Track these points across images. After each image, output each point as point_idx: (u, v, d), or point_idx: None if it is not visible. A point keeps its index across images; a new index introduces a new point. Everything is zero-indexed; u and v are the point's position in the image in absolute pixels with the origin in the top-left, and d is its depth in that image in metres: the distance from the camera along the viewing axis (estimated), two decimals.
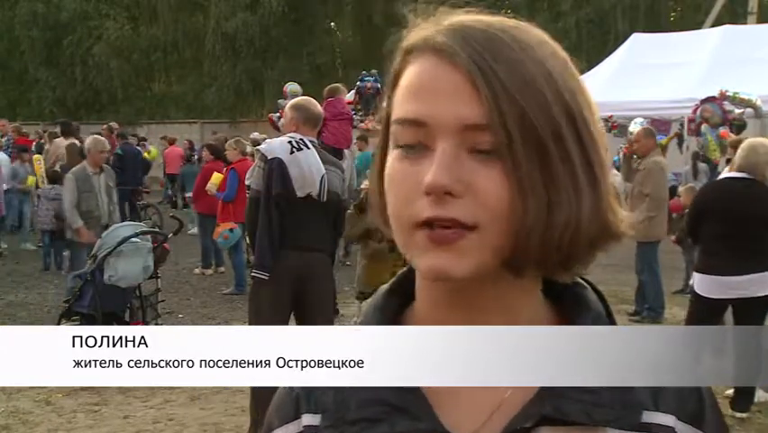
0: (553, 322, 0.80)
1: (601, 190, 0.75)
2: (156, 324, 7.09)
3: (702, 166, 12.24)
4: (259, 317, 4.81)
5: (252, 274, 4.80)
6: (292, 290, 4.78)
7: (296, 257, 4.74)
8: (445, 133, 0.72)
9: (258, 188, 4.77)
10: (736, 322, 5.38)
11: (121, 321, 6.93)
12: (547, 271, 0.77)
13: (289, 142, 4.83)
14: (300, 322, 4.89)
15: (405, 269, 0.85)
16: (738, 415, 5.32)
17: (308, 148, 4.89)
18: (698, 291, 5.28)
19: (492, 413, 0.76)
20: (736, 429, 5.22)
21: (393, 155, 0.76)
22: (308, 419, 0.81)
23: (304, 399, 0.82)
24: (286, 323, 4.84)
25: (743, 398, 5.35)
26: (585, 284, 0.82)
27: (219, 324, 8.08)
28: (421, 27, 0.77)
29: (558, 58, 0.76)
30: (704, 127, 11.47)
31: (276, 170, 4.69)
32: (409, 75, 0.76)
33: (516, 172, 0.71)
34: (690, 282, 5.75)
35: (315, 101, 5.23)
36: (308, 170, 4.83)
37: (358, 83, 11.96)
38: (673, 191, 13.09)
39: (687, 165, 13.20)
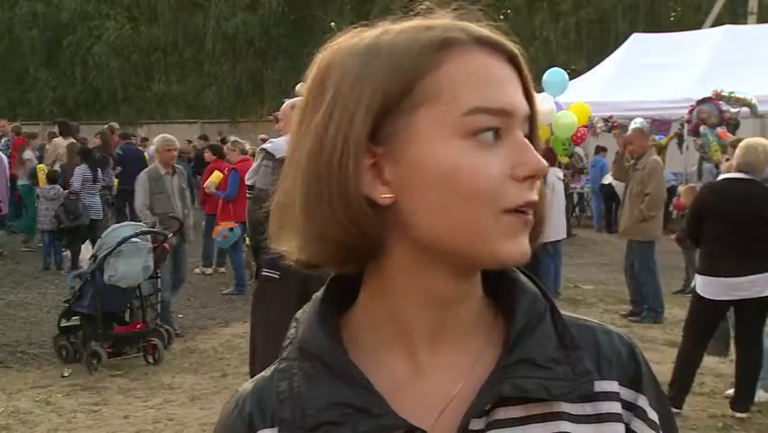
0: (490, 310, 0.83)
1: None
2: (156, 324, 7.09)
3: (707, 166, 12.23)
4: (266, 315, 4.81)
5: (263, 273, 4.77)
6: (298, 288, 4.80)
7: None
8: (519, 122, 0.77)
9: (266, 187, 4.76)
10: (737, 322, 5.38)
11: (121, 321, 6.94)
12: None
13: None
14: None
15: (333, 276, 0.85)
16: (738, 415, 5.32)
17: None
18: (700, 293, 5.26)
19: (448, 403, 0.77)
20: (735, 429, 5.22)
21: (462, 146, 0.74)
22: None
23: (257, 416, 0.81)
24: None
25: (743, 398, 5.35)
26: (513, 268, 0.84)
27: (219, 324, 8.08)
28: (426, 21, 0.79)
29: None
30: (703, 128, 11.47)
31: None
32: (471, 65, 0.76)
33: None
34: (693, 284, 5.73)
35: None
36: None
37: None
38: (673, 191, 13.10)
39: (694, 166, 13.21)
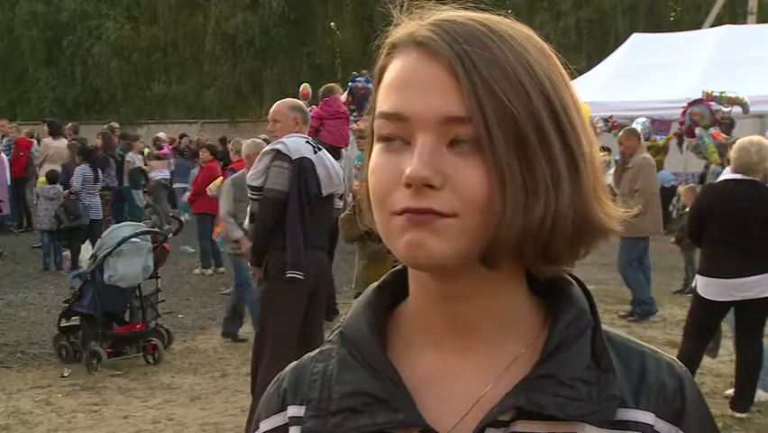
0: (539, 316, 0.81)
1: (583, 184, 0.75)
2: (156, 324, 7.09)
3: (712, 168, 12.21)
4: (279, 316, 4.80)
5: (288, 275, 4.73)
6: (309, 288, 4.83)
7: (314, 256, 4.80)
8: (426, 127, 0.73)
9: (282, 188, 4.71)
10: (737, 322, 5.37)
11: (121, 321, 6.94)
12: (527, 264, 0.78)
13: (307, 142, 4.87)
14: (304, 319, 4.92)
15: (397, 267, 0.86)
16: (738, 415, 5.32)
17: (323, 148, 4.98)
18: (701, 294, 5.24)
19: (472, 407, 0.77)
20: (735, 429, 5.22)
21: (375, 149, 0.77)
22: (293, 411, 0.83)
23: (290, 393, 0.85)
24: (303, 320, 4.88)
25: (743, 398, 5.35)
26: (571, 280, 0.83)
27: (219, 324, 8.07)
28: (406, 23, 0.78)
29: (540, 50, 0.77)
30: (698, 130, 11.47)
31: (307, 170, 4.71)
32: (392, 70, 0.77)
33: (494, 164, 0.71)
34: (693, 284, 5.73)
35: None
36: (333, 169, 4.90)
37: (349, 83, 11.97)
38: (673, 191, 13.10)
39: (698, 169, 13.18)
